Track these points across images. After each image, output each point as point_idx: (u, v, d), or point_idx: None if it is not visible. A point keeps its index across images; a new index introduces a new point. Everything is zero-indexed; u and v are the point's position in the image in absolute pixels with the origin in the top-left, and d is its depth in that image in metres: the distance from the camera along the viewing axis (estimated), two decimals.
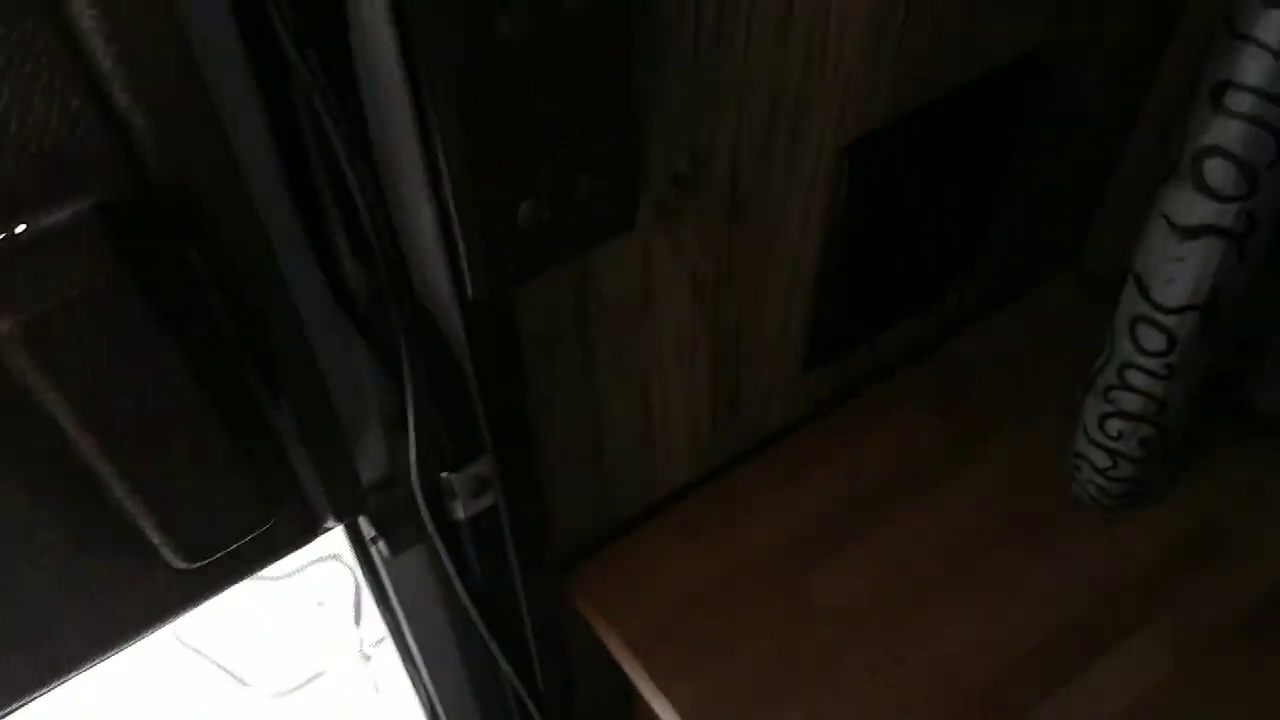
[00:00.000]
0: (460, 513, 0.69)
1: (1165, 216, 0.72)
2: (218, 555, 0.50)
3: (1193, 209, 0.71)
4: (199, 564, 0.49)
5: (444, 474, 0.66)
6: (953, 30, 0.70)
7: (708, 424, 0.88)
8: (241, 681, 1.79)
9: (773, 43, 0.61)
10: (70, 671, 0.52)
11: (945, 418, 0.98)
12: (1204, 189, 0.70)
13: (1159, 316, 0.76)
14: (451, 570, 0.70)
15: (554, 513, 0.82)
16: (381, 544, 0.67)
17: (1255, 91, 0.65)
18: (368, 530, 0.68)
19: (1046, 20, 0.77)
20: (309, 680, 1.79)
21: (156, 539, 0.47)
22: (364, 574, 0.82)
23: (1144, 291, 0.76)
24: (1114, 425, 0.84)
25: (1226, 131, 0.67)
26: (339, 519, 0.59)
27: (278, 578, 1.88)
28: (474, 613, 0.78)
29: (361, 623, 1.83)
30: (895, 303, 0.91)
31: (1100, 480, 0.88)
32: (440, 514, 0.65)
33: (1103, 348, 0.83)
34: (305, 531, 0.59)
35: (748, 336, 0.82)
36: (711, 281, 0.74)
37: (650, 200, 0.64)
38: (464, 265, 0.55)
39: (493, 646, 0.83)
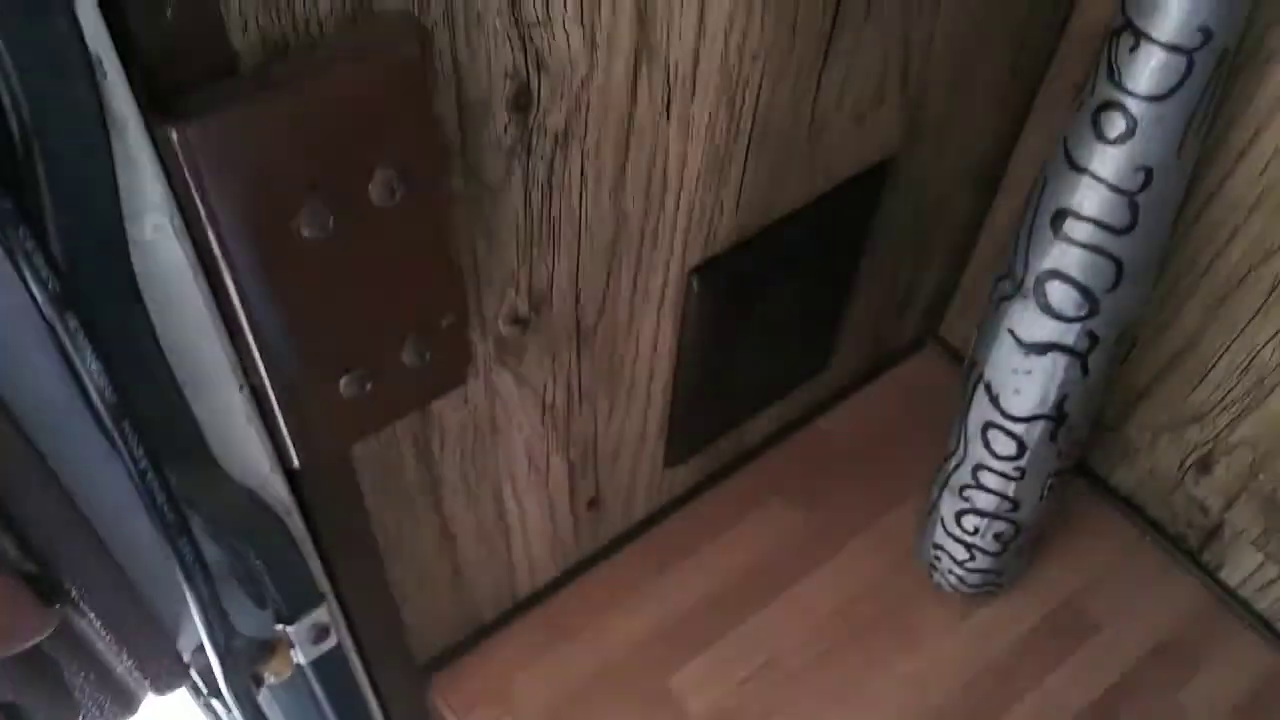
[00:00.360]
0: (301, 658, 0.66)
1: (1011, 332, 0.73)
2: None
3: (1037, 327, 0.71)
4: None
5: (279, 626, 0.64)
6: (799, 155, 0.70)
7: (568, 526, 0.86)
8: None
9: (610, 187, 0.60)
10: None
11: (810, 504, 0.98)
12: (1048, 310, 0.70)
13: (1008, 424, 0.77)
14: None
15: (410, 627, 0.80)
16: (216, 701, 0.64)
17: (1093, 221, 0.66)
18: (201, 688, 0.65)
19: (895, 136, 0.76)
20: None
21: None
22: None
23: (993, 400, 0.77)
24: (970, 521, 0.85)
25: (1067, 257, 0.68)
26: (159, 693, 0.57)
27: None
28: None
29: None
30: (752, 401, 0.91)
31: (959, 571, 0.89)
32: (242, 681, 0.62)
33: (954, 445, 0.83)
34: (123, 711, 0.56)
35: (604, 445, 0.81)
36: (562, 403, 0.72)
37: (489, 340, 0.63)
38: (285, 439, 0.53)
39: None
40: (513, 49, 0.49)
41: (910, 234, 0.89)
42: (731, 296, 0.74)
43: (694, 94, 0.59)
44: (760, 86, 0.62)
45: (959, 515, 0.86)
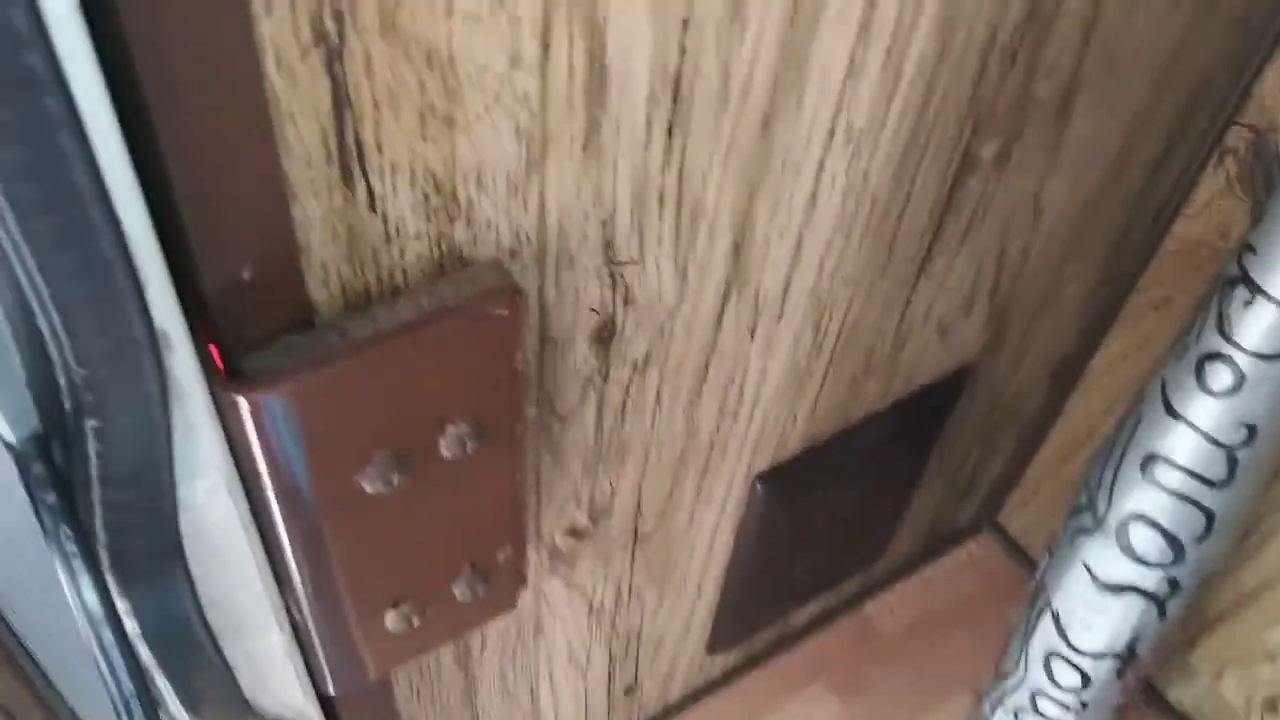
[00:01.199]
0: None
1: (1087, 567, 0.69)
2: None
3: (1116, 567, 0.67)
4: None
5: None
6: (879, 366, 0.66)
7: (601, 713, 0.82)
8: None
9: (685, 405, 0.56)
10: None
11: (852, 692, 0.93)
12: (1129, 551, 0.66)
13: (1075, 657, 0.72)
14: None
15: None
16: None
17: (1187, 471, 0.62)
18: None
19: (977, 345, 0.73)
20: None
21: None
22: None
23: (1061, 631, 0.72)
24: None
25: (1154, 502, 0.64)
26: None
27: None
28: None
29: None
30: (803, 591, 0.86)
31: None
32: None
33: (1013, 667, 0.78)
34: None
35: (648, 637, 0.76)
36: (610, 603, 0.68)
37: (543, 551, 0.59)
38: (324, 671, 0.49)
39: None
40: (601, 286, 0.46)
41: (981, 429, 0.85)
42: (796, 499, 0.71)
43: (781, 317, 0.56)
44: (849, 307, 0.59)
45: None
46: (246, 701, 0.47)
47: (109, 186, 0.27)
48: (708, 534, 0.69)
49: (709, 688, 0.91)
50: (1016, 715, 0.79)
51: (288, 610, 0.46)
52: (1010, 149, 0.57)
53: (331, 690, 0.51)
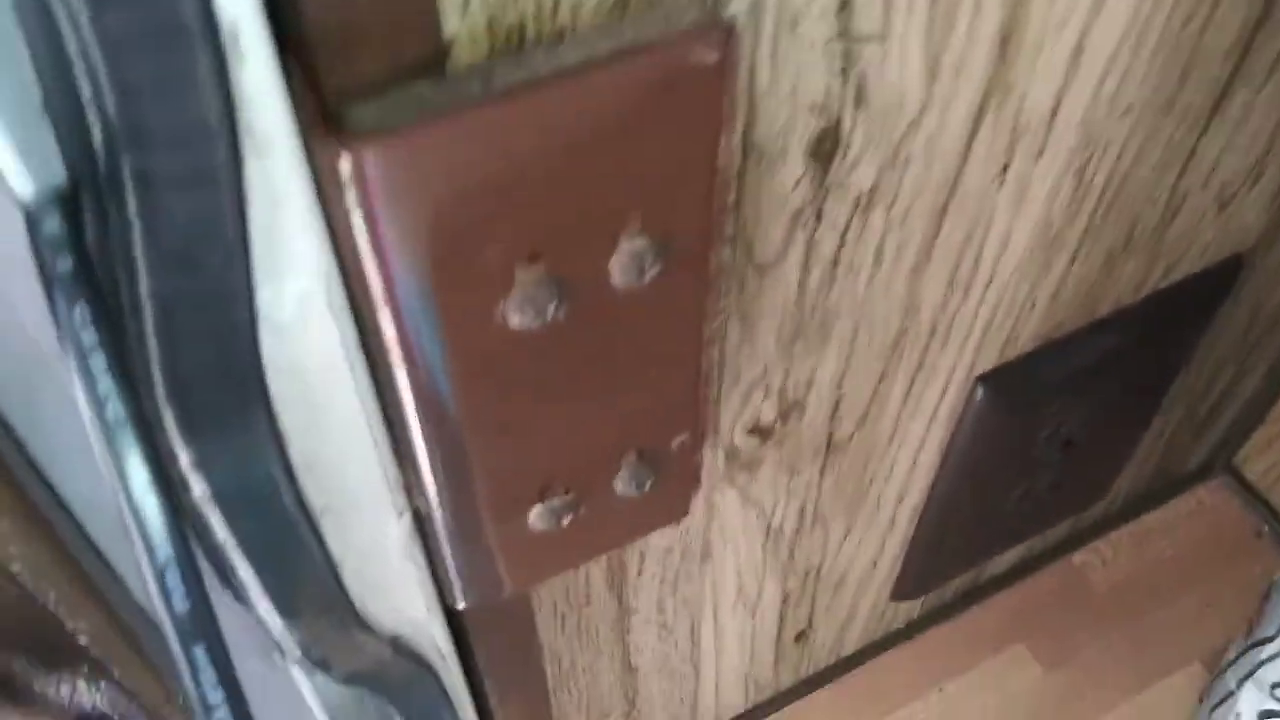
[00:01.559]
0: None
1: None
2: None
3: None
4: None
5: None
6: (1142, 243, 0.53)
7: (767, 659, 0.71)
8: None
9: (909, 271, 0.44)
10: None
11: (1057, 659, 0.80)
12: None
13: None
14: None
15: None
16: None
17: None
18: None
19: (1256, 227, 0.59)
20: None
21: None
22: None
23: None
24: None
25: None
26: None
27: None
28: None
29: None
30: (1011, 531, 0.73)
31: None
32: None
33: (1275, 633, 0.64)
34: None
35: (829, 574, 0.65)
36: (791, 528, 0.57)
37: (719, 452, 0.48)
38: (451, 576, 0.39)
39: None
40: (829, 71, 0.34)
41: (1237, 347, 0.71)
42: (1020, 410, 0.58)
43: (1040, 155, 0.43)
44: (1122, 151, 0.46)
45: (1264, 716, 0.67)
46: (355, 610, 0.37)
47: None
48: (911, 449, 0.57)
49: (889, 640, 0.79)
50: (1273, 690, 0.65)
51: (408, 494, 0.36)
52: None
53: (460, 603, 0.41)
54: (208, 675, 0.18)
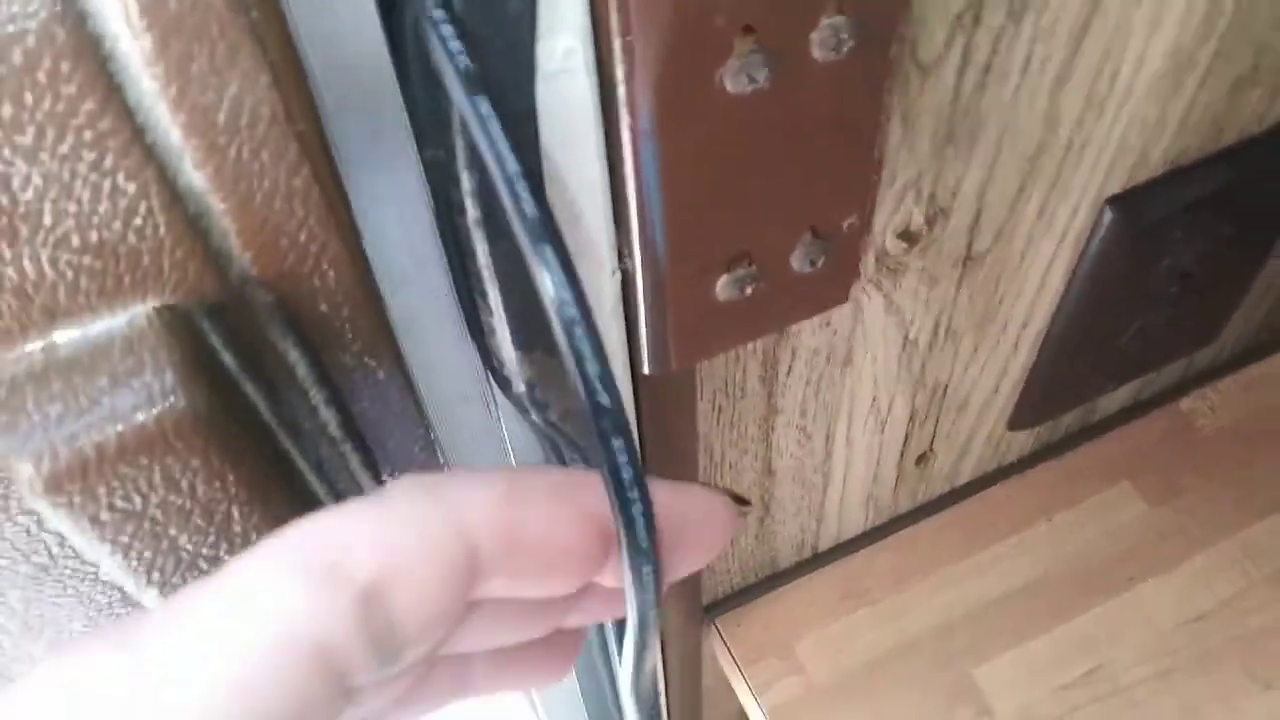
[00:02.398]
0: None
1: None
2: None
3: None
4: None
5: None
6: (1271, 65, 0.56)
7: (889, 480, 0.77)
8: None
9: (1051, 83, 0.48)
10: None
11: (1162, 496, 0.85)
12: None
13: None
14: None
15: (704, 567, 0.73)
16: None
17: None
18: None
19: None
20: None
21: None
22: None
23: None
24: None
25: None
26: None
27: None
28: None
29: None
30: (1126, 367, 0.77)
31: None
32: None
33: None
34: None
35: (954, 394, 0.70)
36: (925, 340, 0.62)
37: (870, 254, 0.53)
38: (642, 340, 0.45)
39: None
40: None
41: None
42: (1144, 236, 0.62)
43: None
44: None
45: None
46: None
47: None
48: (1040, 269, 0.62)
49: (1002, 472, 0.85)
50: None
51: (620, 255, 0.42)
52: None
53: (647, 366, 0.47)
54: (556, 274, 0.24)
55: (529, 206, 0.24)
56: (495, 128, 0.26)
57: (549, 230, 0.24)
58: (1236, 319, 0.81)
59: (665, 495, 0.29)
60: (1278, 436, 0.87)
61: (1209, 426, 0.88)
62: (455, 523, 0.24)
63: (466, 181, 0.33)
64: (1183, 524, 0.84)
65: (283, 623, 0.22)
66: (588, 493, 0.27)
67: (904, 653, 0.80)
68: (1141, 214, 0.60)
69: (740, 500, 0.33)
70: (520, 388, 0.42)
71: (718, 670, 0.82)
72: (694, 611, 0.77)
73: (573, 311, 0.24)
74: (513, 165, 0.25)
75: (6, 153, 0.25)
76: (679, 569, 0.30)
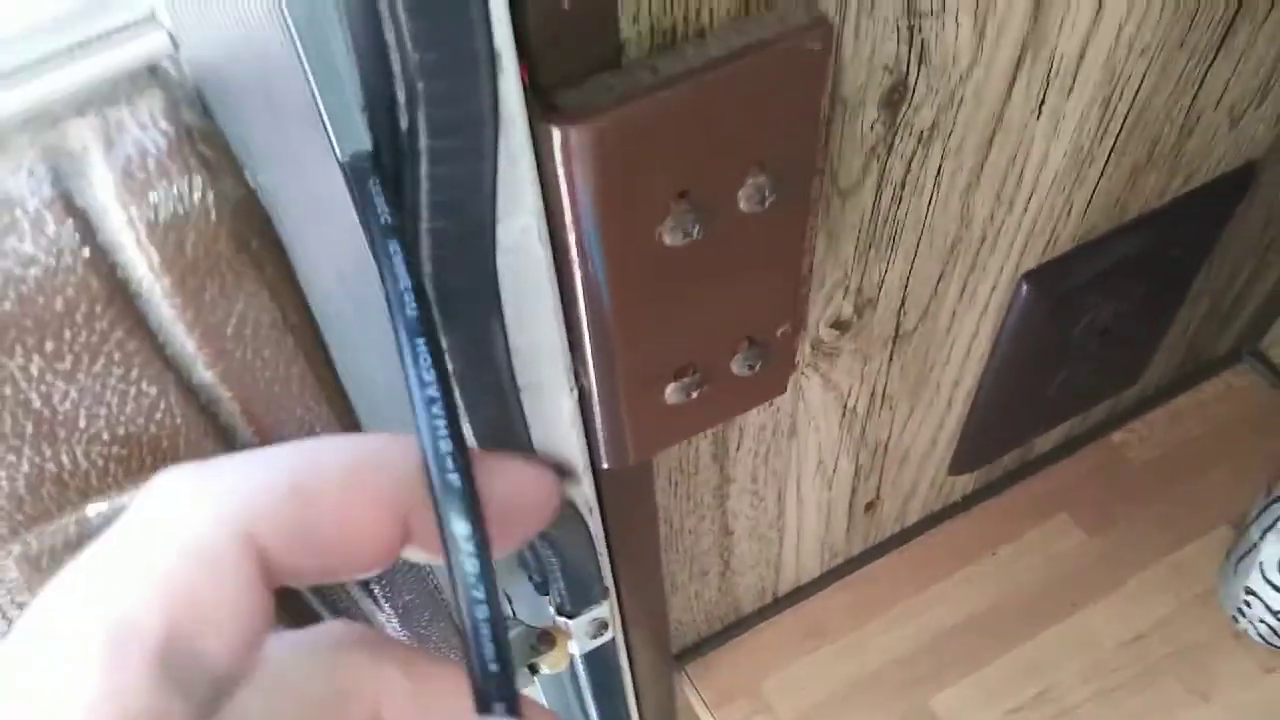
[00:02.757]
0: (577, 651, 0.64)
1: None
2: None
3: None
4: None
5: (559, 619, 0.62)
6: (1162, 157, 0.62)
7: (841, 528, 0.82)
8: None
9: (963, 187, 0.54)
10: None
11: (1098, 525, 0.90)
12: None
13: None
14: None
15: (672, 618, 0.78)
16: None
17: None
18: None
19: (1266, 138, 0.67)
20: None
21: None
22: None
23: None
24: None
25: None
26: None
27: None
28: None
29: None
30: (1055, 413, 0.83)
31: (1272, 621, 0.80)
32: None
33: None
34: None
35: (895, 449, 0.75)
36: (864, 408, 0.67)
37: (805, 344, 0.58)
38: (600, 441, 0.50)
39: None
40: (899, 41, 0.43)
41: (1256, 242, 0.80)
42: (1059, 303, 0.67)
43: (1071, 90, 0.52)
44: (1141, 83, 0.55)
45: None
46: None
47: None
48: (966, 338, 0.67)
49: (947, 511, 0.90)
50: None
51: (576, 375, 0.46)
52: None
53: (605, 463, 0.51)
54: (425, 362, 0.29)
55: (410, 310, 0.29)
56: (399, 262, 0.31)
57: (425, 325, 0.29)
58: (1158, 359, 0.87)
59: (485, 468, 0.28)
60: (1202, 463, 0.93)
61: (1139, 458, 0.93)
62: (239, 534, 0.23)
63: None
64: (1118, 550, 0.89)
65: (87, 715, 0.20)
66: (384, 474, 0.26)
67: (865, 685, 0.85)
68: (1055, 285, 0.65)
69: (563, 471, 0.34)
70: None
71: (692, 715, 0.86)
72: (665, 660, 0.82)
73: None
74: (405, 281, 0.30)
75: (49, 377, 0.30)
76: (506, 542, 0.30)
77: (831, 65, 0.41)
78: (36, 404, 0.30)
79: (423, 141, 0.32)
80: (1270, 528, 0.77)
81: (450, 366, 0.39)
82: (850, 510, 0.80)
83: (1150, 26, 0.51)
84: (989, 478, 0.90)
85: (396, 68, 0.30)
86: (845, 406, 0.66)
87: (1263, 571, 0.78)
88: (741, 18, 0.38)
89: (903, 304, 0.60)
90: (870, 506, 0.81)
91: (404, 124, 0.32)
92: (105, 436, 0.32)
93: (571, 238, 0.39)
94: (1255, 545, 0.79)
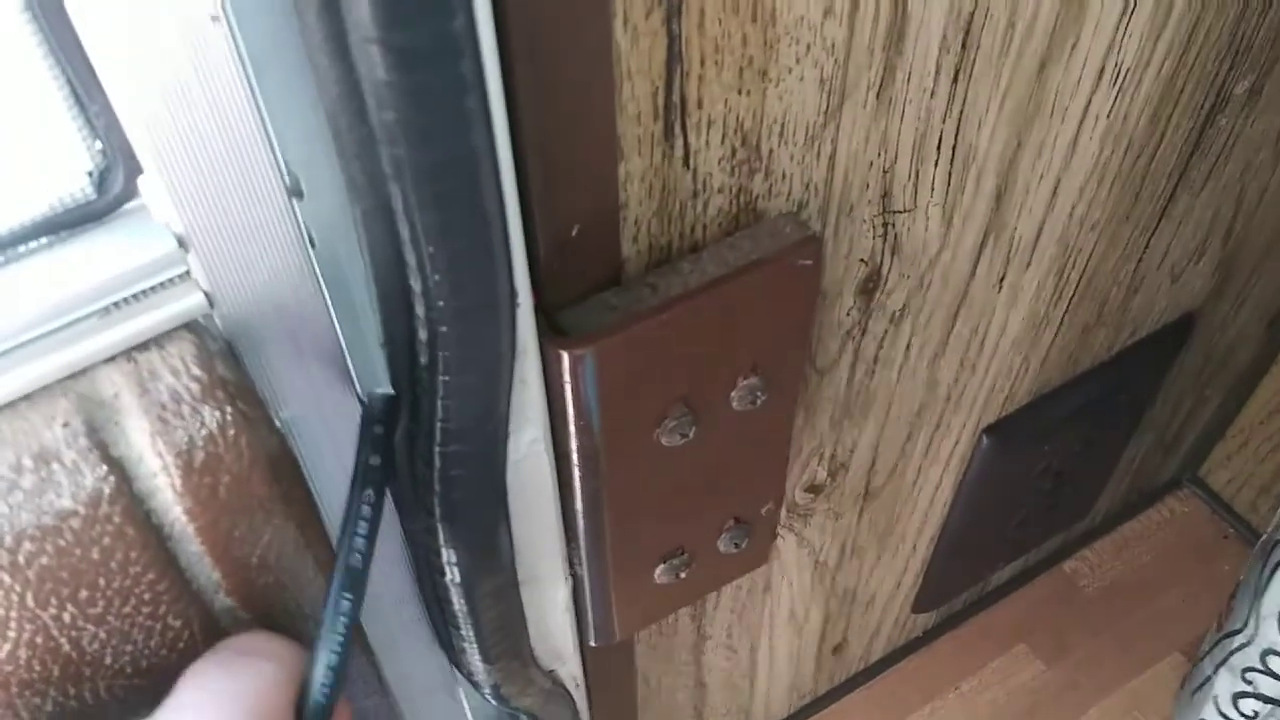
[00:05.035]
0: None
1: None
2: None
3: None
4: None
5: None
6: (1111, 314, 0.65)
7: (809, 670, 0.82)
8: None
9: (930, 358, 0.56)
10: None
11: (1055, 655, 0.92)
12: None
13: None
14: None
15: None
16: None
17: None
18: None
19: (1204, 290, 0.71)
20: None
21: None
22: None
23: None
24: (1250, 705, 0.78)
25: None
26: None
27: None
28: None
29: None
30: (1013, 550, 0.85)
31: None
32: None
33: (1241, 624, 0.76)
34: None
35: (862, 595, 0.76)
36: (834, 561, 0.69)
37: (781, 508, 0.59)
38: (590, 623, 0.50)
39: None
40: (873, 236, 0.45)
41: (1195, 379, 0.83)
42: (1018, 452, 0.70)
43: (1029, 265, 0.55)
44: (1091, 254, 0.58)
45: (1237, 697, 0.78)
46: (531, 652, 0.48)
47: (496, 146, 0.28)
48: (930, 489, 0.69)
49: (910, 646, 0.91)
50: (1243, 674, 0.77)
51: (571, 566, 0.47)
52: (1262, 85, 0.55)
53: (593, 641, 0.52)
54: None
55: (355, 561, 0.30)
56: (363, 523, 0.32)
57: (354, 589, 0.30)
58: (1106, 492, 0.90)
59: None
60: (1151, 590, 0.95)
61: (1091, 586, 0.96)
62: None
63: (446, 555, 0.38)
64: (1076, 680, 0.91)
65: None
66: None
67: None
68: (1013, 437, 0.68)
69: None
70: (487, 689, 0.47)
71: None
72: None
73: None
74: (359, 541, 0.31)
75: (80, 622, 0.30)
76: None
77: (821, 276, 0.43)
78: (66, 649, 0.30)
79: (442, 377, 0.33)
80: (1223, 662, 0.79)
81: (458, 574, 0.39)
82: (819, 654, 0.81)
83: (1100, 205, 0.54)
84: (949, 610, 0.92)
85: (420, 311, 0.32)
86: (817, 561, 0.67)
87: (1217, 705, 0.80)
88: (733, 233, 0.39)
89: (873, 464, 0.62)
90: (838, 648, 0.82)
91: (423, 360, 0.33)
92: (128, 670, 0.32)
93: (574, 445, 0.40)
94: (1209, 679, 0.80)
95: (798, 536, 0.63)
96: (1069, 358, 0.66)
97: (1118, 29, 0.44)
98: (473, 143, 0.27)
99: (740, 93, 0.35)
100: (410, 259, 0.30)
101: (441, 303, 0.30)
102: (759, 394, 0.42)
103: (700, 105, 0.35)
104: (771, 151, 0.38)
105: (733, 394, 0.42)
